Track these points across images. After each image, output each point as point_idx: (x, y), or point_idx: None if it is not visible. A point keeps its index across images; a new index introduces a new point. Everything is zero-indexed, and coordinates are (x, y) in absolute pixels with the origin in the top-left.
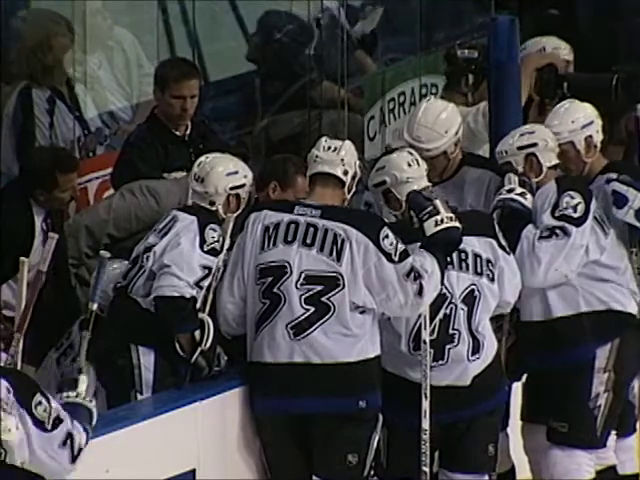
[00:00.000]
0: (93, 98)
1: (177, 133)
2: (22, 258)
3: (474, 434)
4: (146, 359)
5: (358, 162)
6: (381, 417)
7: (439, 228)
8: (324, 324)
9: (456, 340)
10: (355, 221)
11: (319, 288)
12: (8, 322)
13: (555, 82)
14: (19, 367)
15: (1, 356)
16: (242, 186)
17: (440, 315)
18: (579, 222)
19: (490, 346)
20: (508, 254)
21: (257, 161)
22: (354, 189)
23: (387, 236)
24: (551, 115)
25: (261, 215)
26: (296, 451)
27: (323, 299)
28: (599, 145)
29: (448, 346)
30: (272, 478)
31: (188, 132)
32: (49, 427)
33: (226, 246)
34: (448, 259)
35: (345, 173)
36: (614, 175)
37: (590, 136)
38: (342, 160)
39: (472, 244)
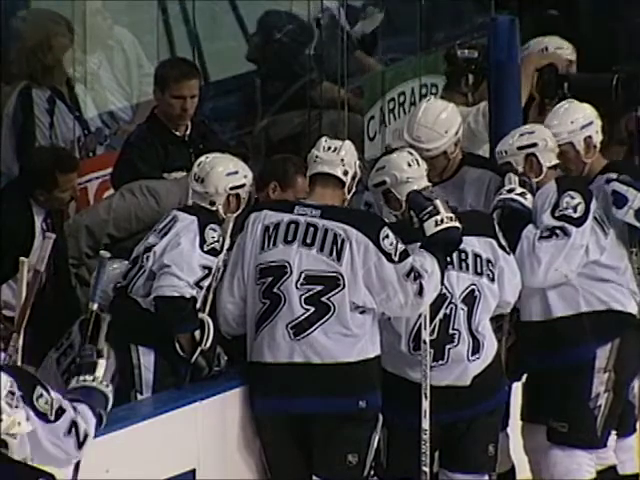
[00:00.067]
0: (93, 98)
1: (177, 133)
2: (22, 258)
3: (474, 434)
4: (146, 359)
5: (358, 162)
6: (381, 417)
7: (439, 228)
8: (324, 324)
9: (456, 340)
10: (355, 221)
11: (319, 288)
12: (8, 322)
13: (555, 82)
14: None
15: (0, 356)
16: (242, 186)
17: (440, 315)
18: (579, 222)
19: (490, 346)
20: (508, 254)
21: (257, 161)
22: (354, 189)
23: (387, 236)
24: (550, 116)
25: (261, 215)
26: (296, 451)
27: (323, 299)
28: (598, 145)
29: (448, 346)
30: (272, 478)
31: (188, 132)
32: (52, 418)
33: (226, 246)
34: (448, 259)
35: (345, 173)
36: (614, 175)
37: (589, 136)
38: (342, 160)
39: (472, 244)
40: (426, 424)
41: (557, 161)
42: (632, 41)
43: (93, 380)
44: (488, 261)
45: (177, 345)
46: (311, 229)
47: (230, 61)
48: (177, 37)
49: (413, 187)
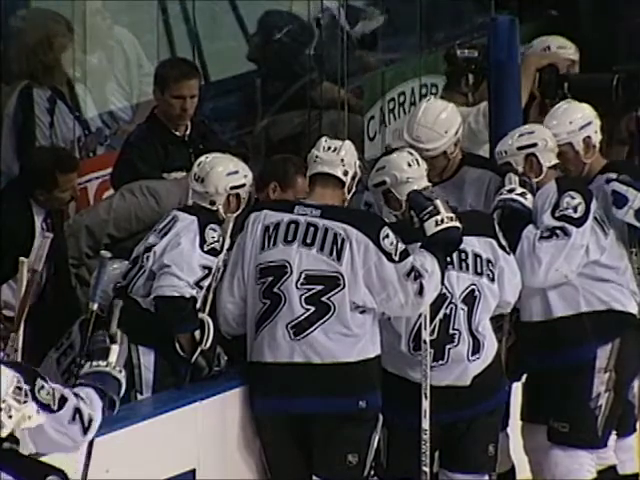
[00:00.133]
0: (93, 98)
1: (177, 133)
2: (22, 258)
3: (474, 434)
4: (146, 359)
5: (358, 162)
6: (381, 417)
7: (439, 228)
8: (324, 324)
9: (456, 340)
10: (355, 221)
11: (319, 288)
12: (8, 322)
13: (556, 82)
14: None
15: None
16: (242, 186)
17: (440, 315)
18: (579, 222)
19: (490, 346)
20: (508, 254)
21: (257, 161)
22: (354, 189)
23: (387, 236)
24: (549, 116)
25: (261, 215)
26: (296, 451)
27: (323, 299)
28: (598, 145)
29: (448, 346)
30: (272, 478)
31: (188, 132)
32: (55, 408)
33: (226, 246)
34: (448, 259)
35: (345, 173)
36: (614, 175)
37: (589, 137)
38: (342, 160)
39: (472, 244)
40: (426, 424)
41: (557, 161)
42: (632, 41)
43: (106, 365)
44: (488, 261)
45: (177, 345)
46: (311, 229)
47: (230, 61)
48: (177, 37)
49: (413, 187)
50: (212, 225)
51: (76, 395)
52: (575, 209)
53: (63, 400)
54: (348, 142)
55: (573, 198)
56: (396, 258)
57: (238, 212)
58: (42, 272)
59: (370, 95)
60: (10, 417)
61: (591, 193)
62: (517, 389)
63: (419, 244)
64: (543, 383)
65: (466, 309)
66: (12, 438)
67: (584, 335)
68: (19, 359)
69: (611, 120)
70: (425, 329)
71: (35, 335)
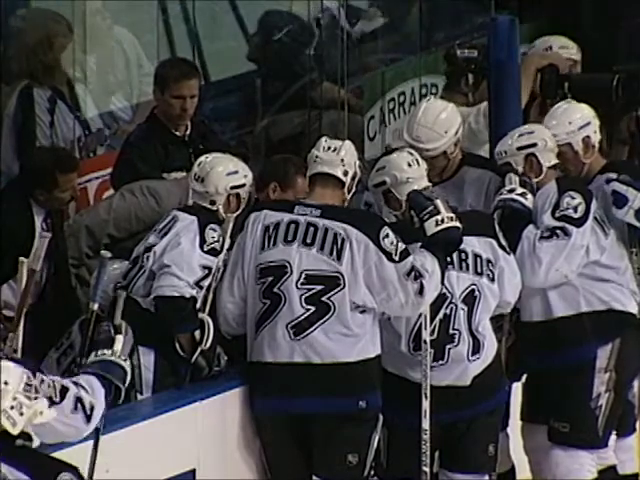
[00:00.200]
0: (93, 98)
1: (177, 133)
2: (21, 258)
3: (474, 434)
4: (146, 359)
5: (358, 162)
6: (381, 417)
7: (440, 228)
8: (324, 324)
9: (456, 340)
10: (355, 220)
11: (319, 288)
12: (8, 322)
13: (556, 82)
14: None
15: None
16: (242, 186)
17: (440, 315)
18: (580, 222)
19: (490, 346)
20: (508, 254)
21: (257, 161)
22: (354, 189)
23: (387, 235)
24: (548, 116)
25: (261, 215)
26: (296, 451)
27: (323, 299)
28: (597, 145)
29: (448, 346)
30: (272, 478)
31: (188, 132)
32: (58, 399)
33: (226, 246)
34: (448, 259)
35: (345, 173)
36: (614, 175)
37: (588, 137)
38: (342, 160)
39: (472, 244)
40: (426, 424)
41: (557, 161)
42: (632, 41)
43: (111, 354)
44: (488, 261)
45: (177, 345)
46: (311, 229)
47: (230, 61)
48: (177, 37)
49: (413, 187)
50: (212, 225)
51: (76, 384)
52: (575, 209)
53: (64, 390)
54: (348, 142)
55: (573, 198)
56: (396, 258)
57: (238, 212)
58: (42, 272)
59: (370, 95)
60: (22, 414)
61: (591, 193)
62: (517, 389)
63: (419, 244)
64: (543, 383)
65: (466, 309)
66: (25, 435)
67: (584, 335)
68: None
69: (611, 120)
70: (425, 329)
71: (35, 335)
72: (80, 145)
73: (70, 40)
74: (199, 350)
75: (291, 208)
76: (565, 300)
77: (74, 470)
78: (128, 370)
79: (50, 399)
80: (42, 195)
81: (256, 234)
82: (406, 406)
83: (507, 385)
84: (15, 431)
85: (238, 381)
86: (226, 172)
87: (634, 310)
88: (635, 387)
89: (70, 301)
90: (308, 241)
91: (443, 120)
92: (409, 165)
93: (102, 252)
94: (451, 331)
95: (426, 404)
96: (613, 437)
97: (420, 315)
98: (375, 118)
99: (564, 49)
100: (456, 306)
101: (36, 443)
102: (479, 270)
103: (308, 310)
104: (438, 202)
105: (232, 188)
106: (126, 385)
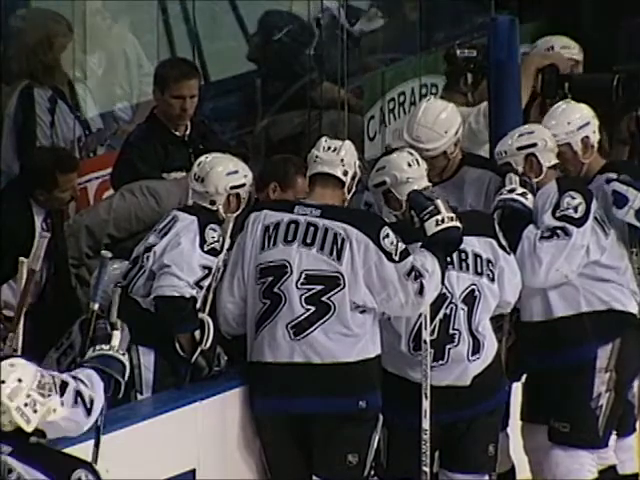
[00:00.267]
0: (93, 98)
1: (177, 133)
2: (21, 258)
3: (474, 434)
4: (146, 359)
5: (358, 162)
6: (381, 417)
7: (440, 228)
8: (324, 324)
9: (456, 340)
10: (355, 220)
11: (319, 288)
12: (8, 322)
13: (556, 82)
14: None
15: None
16: (242, 186)
17: (440, 315)
18: (580, 222)
19: (490, 346)
20: (508, 254)
21: (257, 161)
22: (354, 189)
23: (387, 235)
24: (547, 117)
25: (261, 215)
26: (296, 451)
27: (323, 299)
28: (596, 145)
29: (448, 346)
30: (272, 478)
31: (188, 132)
32: (58, 395)
33: (226, 246)
34: (448, 259)
35: (345, 173)
36: (614, 175)
37: (587, 137)
38: (342, 160)
39: (472, 244)
40: (426, 424)
41: (557, 161)
42: (632, 41)
43: (109, 349)
44: (488, 261)
45: (177, 345)
46: (311, 229)
47: (230, 61)
48: (177, 37)
49: (413, 187)
50: (212, 225)
51: (75, 378)
52: (576, 209)
53: (64, 385)
54: (348, 142)
55: (574, 198)
56: (396, 258)
57: (238, 212)
58: (42, 272)
59: (370, 95)
60: (35, 412)
61: (591, 193)
62: (517, 389)
63: (419, 244)
64: (543, 383)
65: (466, 309)
66: (38, 432)
67: (584, 335)
68: None
69: (611, 120)
70: (425, 329)
71: (35, 335)
72: (80, 145)
73: (70, 40)
74: (199, 350)
75: (291, 208)
76: (565, 300)
77: (88, 466)
78: (127, 364)
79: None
80: (42, 195)
81: (256, 234)
82: (406, 406)
83: (507, 385)
84: (29, 428)
85: (238, 381)
86: (226, 172)
87: (634, 310)
88: (635, 387)
89: (70, 301)
90: (308, 241)
91: (443, 120)
92: (409, 165)
93: (103, 252)
94: (451, 331)
95: (426, 404)
96: (613, 437)
97: (420, 315)
98: (375, 118)
99: (566, 49)
100: (456, 306)
101: (50, 437)
102: (479, 270)
103: (308, 310)
104: (438, 202)
105: (232, 188)
106: (126, 378)
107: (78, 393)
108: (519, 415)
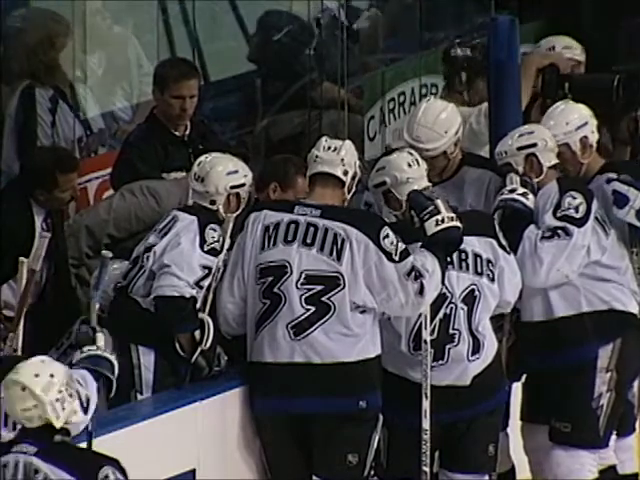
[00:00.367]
0: (94, 98)
1: (176, 133)
2: (21, 258)
3: (474, 434)
4: (146, 359)
5: (358, 162)
6: (381, 417)
7: (440, 228)
8: (324, 324)
9: (456, 340)
10: (355, 221)
11: (319, 288)
12: (8, 322)
13: (556, 82)
14: None
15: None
16: (242, 185)
17: (440, 315)
18: (581, 222)
19: (490, 346)
20: (508, 254)
21: (257, 161)
22: (354, 189)
23: (387, 235)
24: (546, 117)
25: (261, 215)
26: (296, 451)
27: (323, 299)
28: (595, 145)
29: (448, 346)
30: (272, 478)
31: (187, 132)
32: None
33: (226, 246)
34: (448, 259)
35: (345, 173)
36: (614, 175)
37: (585, 137)
38: (342, 160)
39: (472, 244)
40: (426, 424)
41: (557, 161)
42: (632, 41)
43: (97, 349)
44: (488, 261)
45: (177, 345)
46: (311, 229)
47: (230, 61)
48: (177, 37)
49: (413, 187)
50: (212, 225)
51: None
52: (577, 209)
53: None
54: (348, 142)
55: (574, 198)
56: (396, 258)
57: (238, 212)
58: (42, 272)
59: (370, 95)
60: (64, 409)
61: (592, 193)
62: (517, 389)
63: (419, 244)
64: (544, 383)
65: (466, 309)
66: (63, 430)
67: (585, 335)
68: None
69: (612, 120)
70: (425, 329)
71: (35, 335)
72: (81, 145)
73: (70, 40)
74: (199, 350)
75: (291, 208)
76: (566, 300)
77: (115, 462)
78: (115, 363)
79: None
80: (42, 195)
81: (256, 234)
82: (406, 406)
83: (507, 385)
84: (58, 424)
85: (238, 381)
86: (226, 172)
87: (635, 310)
88: (635, 387)
89: (70, 301)
90: (308, 241)
91: (443, 120)
92: (409, 165)
93: (103, 252)
94: (451, 331)
95: (426, 404)
96: (613, 437)
97: (420, 315)
98: (375, 118)
99: (567, 49)
100: (456, 306)
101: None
102: (479, 270)
103: (308, 310)
104: (438, 202)
105: (232, 188)
106: (115, 375)
107: (77, 392)
108: (519, 415)
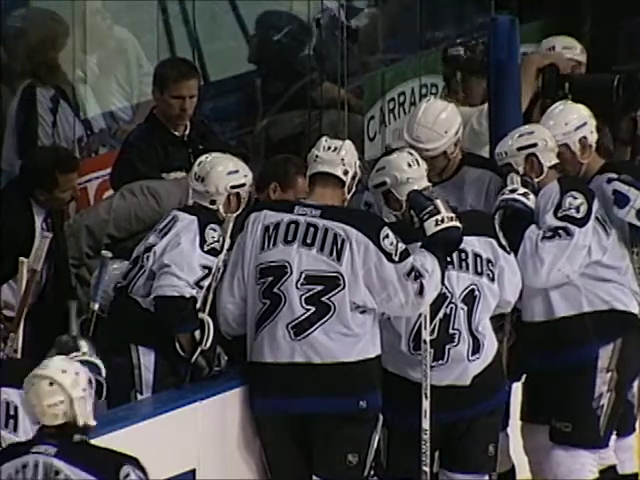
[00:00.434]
0: (94, 98)
1: (176, 133)
2: (22, 258)
3: (474, 434)
4: (146, 359)
5: (358, 162)
6: (381, 417)
7: (440, 228)
8: (324, 324)
9: (456, 340)
10: (355, 221)
11: (319, 288)
12: (8, 322)
13: (556, 82)
14: None
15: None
16: (242, 185)
17: (440, 315)
18: (582, 223)
19: (490, 346)
20: (508, 253)
21: (257, 161)
22: (354, 189)
23: (387, 236)
24: (545, 117)
25: (261, 215)
26: (296, 451)
27: (323, 299)
28: (594, 145)
29: (448, 346)
30: (272, 478)
31: (187, 132)
32: None
33: (226, 246)
34: (448, 259)
35: (345, 173)
36: (615, 175)
37: (584, 137)
38: (342, 160)
39: (472, 244)
40: (426, 424)
41: (557, 161)
42: (632, 41)
43: (83, 355)
44: (488, 261)
45: (177, 345)
46: (311, 229)
47: (230, 61)
48: (177, 37)
49: (413, 187)
50: (212, 225)
51: None
52: (577, 209)
53: None
54: (348, 142)
55: (575, 198)
56: (396, 258)
57: (238, 212)
58: (42, 272)
59: (370, 95)
60: (86, 408)
61: (593, 193)
62: (517, 389)
63: (419, 244)
64: (544, 383)
65: (466, 309)
66: (82, 429)
67: (586, 335)
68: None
69: (612, 120)
70: (425, 329)
71: (35, 335)
72: (81, 145)
73: (70, 40)
74: (199, 350)
75: (291, 208)
76: (567, 300)
77: (134, 461)
78: (102, 366)
79: None
80: (42, 195)
81: (256, 234)
82: (406, 406)
83: (507, 385)
84: (81, 421)
85: (238, 381)
86: (226, 171)
87: (635, 310)
88: (635, 387)
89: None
90: (308, 241)
91: (443, 120)
92: (409, 165)
93: (103, 252)
94: (451, 331)
95: (426, 404)
96: (613, 437)
97: (420, 315)
98: (375, 118)
99: (567, 49)
100: (456, 306)
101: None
102: (479, 270)
103: (308, 310)
104: (438, 202)
105: (232, 187)
106: (103, 377)
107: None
108: (519, 415)
